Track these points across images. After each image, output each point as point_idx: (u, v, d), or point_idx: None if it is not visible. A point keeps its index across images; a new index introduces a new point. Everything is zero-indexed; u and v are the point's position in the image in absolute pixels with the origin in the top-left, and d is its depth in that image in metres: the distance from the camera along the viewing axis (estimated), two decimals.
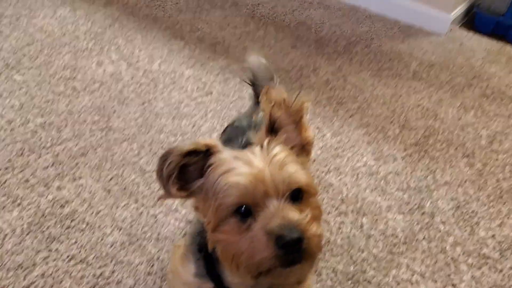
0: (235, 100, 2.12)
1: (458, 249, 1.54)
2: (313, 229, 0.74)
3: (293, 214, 0.73)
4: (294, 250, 0.71)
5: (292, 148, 0.82)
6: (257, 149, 0.79)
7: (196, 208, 0.84)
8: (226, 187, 0.74)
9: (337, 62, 2.51)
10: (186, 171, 0.80)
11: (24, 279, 1.35)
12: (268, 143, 0.79)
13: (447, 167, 1.88)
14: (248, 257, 0.73)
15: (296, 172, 0.77)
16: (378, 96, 2.27)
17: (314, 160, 1.84)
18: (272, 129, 0.82)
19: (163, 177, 0.78)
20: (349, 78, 2.38)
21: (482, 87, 2.43)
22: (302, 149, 0.85)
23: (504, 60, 2.73)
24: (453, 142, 2.01)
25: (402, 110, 2.19)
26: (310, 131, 0.85)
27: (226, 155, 0.78)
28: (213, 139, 0.82)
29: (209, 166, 0.78)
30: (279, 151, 0.78)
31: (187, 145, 0.79)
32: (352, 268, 1.45)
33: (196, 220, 0.98)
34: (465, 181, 1.81)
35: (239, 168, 0.75)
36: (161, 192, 0.82)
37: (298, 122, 0.84)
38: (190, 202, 0.86)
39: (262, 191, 0.73)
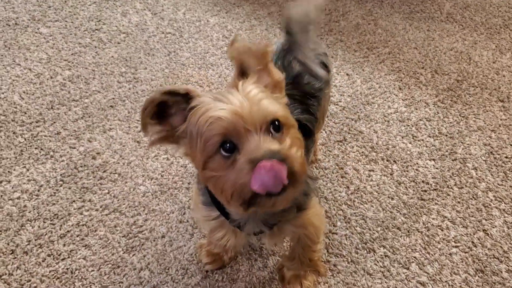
0: None
1: (490, 194, 1.52)
2: (293, 152, 0.78)
3: (274, 144, 0.77)
4: None
5: (265, 87, 0.87)
6: (233, 90, 0.83)
7: (186, 154, 0.88)
8: (209, 123, 0.78)
9: (368, 5, 2.41)
10: (169, 115, 0.86)
11: (60, 228, 1.40)
12: (242, 84, 0.84)
13: (480, 112, 1.82)
14: (234, 188, 0.77)
15: (271, 105, 0.82)
16: (409, 40, 2.19)
17: (344, 108, 1.81)
18: (243, 73, 0.88)
19: (146, 114, 0.83)
20: (379, 21, 2.30)
21: None
22: (275, 87, 0.89)
23: None
24: (487, 86, 1.94)
25: (435, 54, 2.11)
26: (277, 72, 0.90)
27: (205, 98, 0.82)
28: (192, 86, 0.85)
29: (190, 109, 0.83)
30: (253, 89, 0.83)
31: (168, 86, 0.82)
32: (381, 214, 1.45)
33: None
34: (499, 126, 1.76)
35: (219, 105, 0.79)
36: (149, 139, 0.87)
37: (265, 66, 0.88)
38: (180, 150, 0.89)
39: (243, 124, 0.77)
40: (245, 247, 1.35)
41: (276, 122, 0.81)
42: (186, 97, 0.84)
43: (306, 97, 1.14)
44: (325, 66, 1.25)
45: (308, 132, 1.09)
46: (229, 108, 0.78)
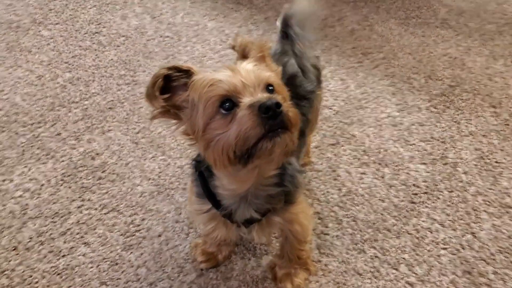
0: None
1: (480, 198, 1.56)
2: (288, 104, 0.86)
3: (270, 94, 0.85)
4: (275, 114, 0.80)
5: None
6: (231, 65, 0.91)
7: (186, 133, 0.94)
8: (209, 85, 0.85)
9: (363, 10, 2.46)
10: (172, 89, 0.91)
11: (61, 226, 1.44)
12: (241, 62, 0.92)
13: (472, 117, 1.86)
14: (237, 136, 0.81)
15: (267, 72, 0.90)
16: (404, 46, 2.23)
17: (337, 112, 1.85)
18: (243, 56, 0.96)
19: (154, 87, 0.88)
20: (375, 27, 2.34)
21: None
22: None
23: None
24: (480, 92, 1.98)
25: (429, 60, 2.15)
26: (274, 65, 0.99)
27: (205, 73, 0.90)
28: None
29: (192, 81, 0.89)
30: (249, 63, 0.91)
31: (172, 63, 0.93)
32: (372, 216, 1.49)
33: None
34: (490, 131, 1.80)
35: (219, 72, 0.87)
36: (153, 111, 0.92)
37: (263, 57, 0.97)
38: (181, 129, 0.95)
39: (241, 83, 0.84)
40: (239, 244, 1.39)
41: (270, 87, 0.88)
42: (187, 73, 0.90)
43: (298, 98, 1.17)
44: (317, 69, 1.30)
45: (299, 133, 1.13)
46: (228, 72, 0.86)
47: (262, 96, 0.83)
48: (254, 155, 0.84)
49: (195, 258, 1.36)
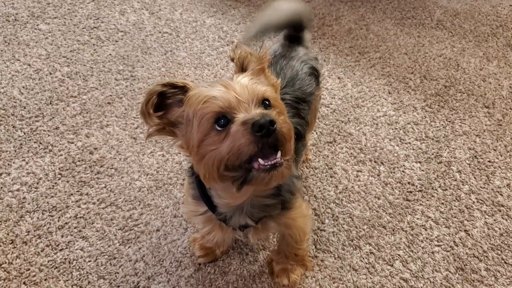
0: None
1: (473, 197, 1.59)
2: (282, 119, 0.85)
3: (264, 110, 0.84)
4: (268, 132, 0.79)
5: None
6: (227, 79, 0.90)
7: (181, 146, 0.94)
8: (204, 101, 0.85)
9: (360, 10, 2.47)
10: (167, 106, 0.91)
11: (59, 220, 1.45)
12: (237, 76, 0.91)
13: (466, 117, 1.89)
14: (229, 151, 0.81)
15: (261, 86, 0.89)
16: (400, 46, 2.25)
17: (334, 110, 1.87)
18: (242, 69, 0.96)
19: (147, 104, 0.88)
20: (371, 27, 2.36)
21: (507, 36, 2.38)
22: (272, 87, 0.96)
23: None
24: (474, 93, 2.01)
25: (424, 60, 2.18)
26: (273, 77, 0.99)
27: (200, 88, 0.89)
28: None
29: (187, 98, 0.89)
30: (244, 77, 0.90)
31: (167, 79, 0.93)
32: (368, 213, 1.51)
33: None
34: (484, 131, 1.83)
35: (215, 88, 0.87)
36: (148, 130, 0.92)
37: (263, 68, 0.97)
38: (176, 144, 0.95)
39: (235, 99, 0.84)
40: (237, 242, 1.40)
41: (267, 102, 0.88)
42: (183, 89, 0.90)
43: (297, 101, 1.19)
44: (315, 70, 1.31)
45: (298, 135, 1.13)
46: (222, 87, 0.86)
47: (256, 112, 0.83)
48: (250, 182, 0.84)
49: (193, 252, 1.38)
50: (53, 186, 1.53)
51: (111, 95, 1.83)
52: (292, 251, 1.28)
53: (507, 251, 1.43)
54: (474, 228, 1.49)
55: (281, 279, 1.32)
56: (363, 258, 1.40)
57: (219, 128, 0.84)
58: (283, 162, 0.83)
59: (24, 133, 1.67)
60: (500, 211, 1.55)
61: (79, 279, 1.31)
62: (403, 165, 1.67)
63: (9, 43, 2.03)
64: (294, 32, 1.34)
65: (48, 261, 1.35)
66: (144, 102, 0.88)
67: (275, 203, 1.04)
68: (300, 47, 1.33)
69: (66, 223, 1.44)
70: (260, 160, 0.81)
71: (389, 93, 1.98)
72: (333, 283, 1.33)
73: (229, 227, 1.09)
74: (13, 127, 1.69)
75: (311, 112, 1.30)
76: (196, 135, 0.86)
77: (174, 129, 0.92)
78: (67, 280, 1.31)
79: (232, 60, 0.98)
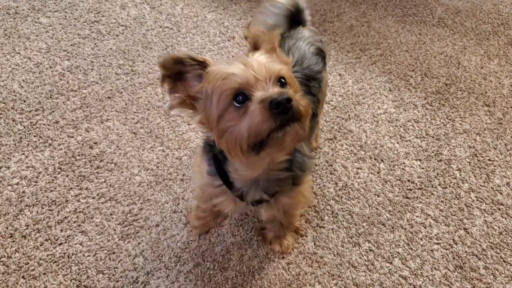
0: None
1: (472, 195, 1.59)
2: (299, 96, 0.89)
3: (280, 89, 0.88)
4: (286, 109, 0.83)
5: None
6: (244, 56, 0.94)
7: (202, 122, 0.97)
8: (223, 78, 0.88)
9: (362, 7, 2.47)
10: (186, 79, 0.95)
11: (58, 214, 1.45)
12: (253, 54, 0.95)
13: (466, 115, 1.89)
14: (249, 130, 0.85)
15: (277, 64, 0.92)
16: (401, 43, 2.25)
17: (335, 107, 1.86)
18: (255, 48, 0.98)
19: (166, 65, 0.92)
20: (373, 24, 2.35)
21: (509, 35, 2.38)
22: (285, 65, 0.98)
23: None
24: (475, 91, 2.01)
25: (425, 58, 2.17)
26: (285, 56, 1.01)
27: (219, 64, 0.92)
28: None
29: (206, 73, 0.92)
30: (261, 55, 0.94)
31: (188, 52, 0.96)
32: (367, 210, 1.51)
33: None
34: (484, 130, 1.83)
35: (233, 65, 0.90)
36: (170, 102, 0.97)
37: (274, 47, 0.99)
38: (196, 117, 0.98)
39: (253, 76, 0.87)
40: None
41: (283, 80, 0.91)
42: (202, 64, 0.93)
43: (307, 79, 1.23)
44: (321, 51, 1.35)
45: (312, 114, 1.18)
46: (240, 65, 0.89)
47: (274, 91, 0.86)
48: (267, 144, 0.87)
49: (188, 221, 1.43)
50: (52, 180, 1.53)
51: (111, 90, 1.83)
52: (288, 220, 1.33)
53: (506, 249, 1.44)
54: (474, 226, 1.49)
55: (274, 246, 1.38)
56: (362, 255, 1.40)
57: (237, 105, 0.87)
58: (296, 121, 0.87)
59: (24, 127, 1.67)
60: (499, 209, 1.55)
61: (78, 274, 1.31)
62: (403, 163, 1.67)
63: (9, 36, 2.02)
64: (295, 15, 1.37)
65: (47, 255, 1.35)
66: (161, 65, 0.92)
67: (287, 177, 1.08)
68: (305, 29, 1.37)
69: (65, 217, 1.44)
70: None
71: (390, 90, 1.97)
72: (332, 279, 1.33)
73: (242, 202, 1.13)
74: (13, 120, 1.68)
75: (320, 91, 1.34)
76: (215, 110, 0.90)
77: (194, 102, 0.96)
78: (66, 275, 1.31)
79: (246, 38, 1.03)
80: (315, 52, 1.31)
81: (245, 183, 1.07)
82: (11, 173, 1.53)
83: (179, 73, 0.95)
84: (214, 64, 0.93)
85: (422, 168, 1.66)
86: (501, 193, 1.60)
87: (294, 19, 1.37)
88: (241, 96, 0.87)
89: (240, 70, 0.88)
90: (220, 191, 1.14)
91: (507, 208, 1.55)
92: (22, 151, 1.60)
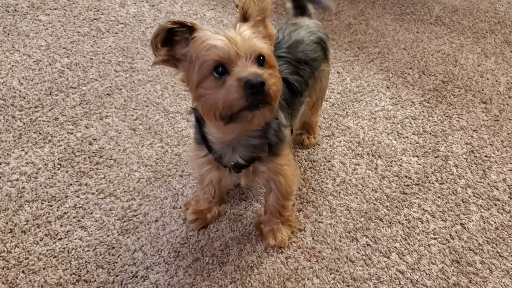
0: None
1: (469, 191, 1.60)
2: (273, 80, 0.95)
3: (258, 69, 0.94)
4: (259, 91, 0.90)
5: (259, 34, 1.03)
6: (230, 28, 0.99)
7: (182, 80, 1.04)
8: (206, 49, 0.93)
9: (360, 5, 2.48)
10: (174, 42, 1.00)
11: (58, 209, 1.45)
12: (240, 26, 0.99)
13: (463, 112, 1.90)
14: (223, 102, 0.92)
15: (259, 42, 0.98)
16: (399, 41, 2.26)
17: (333, 104, 1.88)
18: (244, 19, 1.03)
19: (156, 38, 0.96)
20: (371, 22, 2.37)
21: (505, 33, 2.39)
22: (267, 39, 1.05)
23: None
24: (471, 88, 2.02)
25: (423, 56, 2.18)
26: (272, 27, 1.08)
27: (206, 31, 0.97)
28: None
29: (193, 38, 0.97)
30: (247, 29, 0.98)
31: (177, 18, 1.03)
32: (365, 206, 1.53)
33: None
34: (481, 127, 1.84)
35: (217, 36, 0.94)
36: (154, 58, 1.01)
37: (264, 18, 1.05)
38: (178, 76, 1.04)
39: (235, 52, 0.93)
40: (228, 203, 1.42)
41: (261, 57, 0.96)
42: (191, 29, 0.98)
43: (299, 62, 1.29)
44: (323, 42, 1.40)
45: (295, 92, 1.27)
46: (224, 39, 0.93)
47: (251, 71, 0.92)
48: (236, 119, 0.95)
49: (185, 217, 1.44)
50: (52, 176, 1.54)
51: (110, 87, 1.84)
52: (277, 208, 1.36)
53: (502, 244, 1.45)
54: (470, 221, 1.51)
55: (268, 240, 1.40)
56: (360, 250, 1.41)
57: (216, 75, 0.93)
58: (266, 105, 0.94)
59: (24, 123, 1.67)
60: (496, 205, 1.56)
61: (78, 268, 1.32)
62: (401, 159, 1.68)
63: (9, 34, 2.03)
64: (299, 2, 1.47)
65: (47, 250, 1.35)
66: (154, 35, 0.96)
67: (262, 143, 1.14)
68: (310, 20, 1.44)
69: (65, 212, 1.45)
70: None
71: (388, 87, 1.99)
72: (330, 274, 1.34)
73: (226, 169, 1.20)
74: (13, 117, 1.69)
75: (317, 87, 1.43)
76: (196, 76, 0.96)
77: (178, 63, 1.02)
78: (66, 269, 1.32)
79: (237, 6, 1.05)
80: (315, 41, 1.36)
81: (221, 145, 1.14)
82: (11, 169, 1.54)
83: (167, 39, 0.99)
84: (201, 29, 0.97)
85: (419, 164, 1.67)
86: (497, 189, 1.61)
87: (299, 6, 1.46)
88: (221, 68, 0.93)
89: (223, 44, 0.92)
90: (206, 160, 1.21)
91: (503, 204, 1.56)
92: (21, 147, 1.60)
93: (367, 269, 1.37)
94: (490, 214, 1.53)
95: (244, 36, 0.96)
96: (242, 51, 0.93)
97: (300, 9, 1.48)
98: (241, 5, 1.03)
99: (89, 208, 1.46)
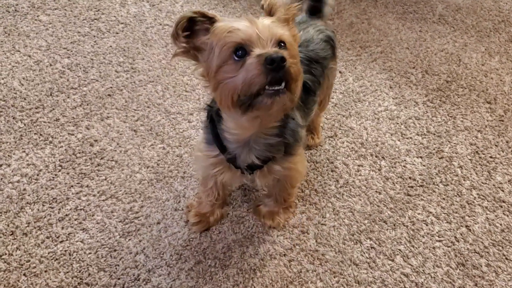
0: None
1: (474, 192, 1.58)
2: (293, 61, 0.94)
3: (278, 49, 0.92)
4: (279, 67, 0.88)
5: None
6: (253, 16, 0.99)
7: (202, 75, 1.03)
8: (228, 31, 0.94)
9: (362, 4, 2.46)
10: (194, 33, 1.00)
11: (59, 212, 1.44)
12: (264, 17, 1.00)
13: (468, 112, 1.89)
14: (243, 82, 0.91)
15: (281, 30, 0.98)
16: (402, 40, 2.24)
17: (335, 105, 1.86)
18: (270, 13, 1.03)
19: (178, 26, 0.97)
20: (373, 21, 2.35)
21: (509, 32, 2.37)
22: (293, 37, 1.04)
23: None
24: (476, 88, 2.01)
25: (426, 55, 2.17)
26: (296, 29, 1.07)
27: (227, 21, 0.98)
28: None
29: (213, 28, 0.97)
30: (270, 20, 0.99)
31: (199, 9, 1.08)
32: (369, 208, 1.51)
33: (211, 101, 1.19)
34: (485, 127, 1.82)
35: (239, 22, 0.95)
36: (176, 50, 1.02)
37: (288, 18, 1.04)
38: (198, 71, 1.04)
39: (256, 34, 0.92)
40: (231, 204, 1.40)
41: (282, 44, 0.95)
42: (211, 20, 0.98)
43: (310, 61, 1.28)
44: (331, 40, 1.39)
45: (308, 90, 1.25)
46: (247, 23, 0.94)
47: (271, 49, 0.91)
48: (254, 106, 0.93)
49: (187, 219, 1.43)
50: (53, 177, 1.53)
51: (111, 87, 1.83)
52: (284, 195, 1.39)
53: (508, 247, 1.43)
54: (475, 223, 1.49)
55: (267, 221, 1.43)
56: (364, 253, 1.40)
57: (236, 58, 0.92)
58: (286, 92, 0.92)
59: (24, 124, 1.66)
60: (501, 207, 1.54)
61: (79, 271, 1.31)
62: (404, 160, 1.67)
63: (9, 34, 2.02)
64: (315, 2, 1.43)
65: (48, 253, 1.34)
66: (176, 24, 0.97)
67: (278, 143, 1.13)
68: (319, 20, 1.43)
69: (66, 215, 1.43)
70: (266, 87, 0.90)
71: (391, 87, 1.97)
72: (334, 277, 1.33)
73: (238, 170, 1.19)
74: (13, 118, 1.68)
75: (325, 85, 1.40)
76: (216, 61, 0.95)
77: (198, 53, 1.01)
78: (67, 272, 1.30)
79: (262, 7, 1.06)
80: (324, 39, 1.36)
81: (237, 144, 1.12)
82: (12, 171, 1.53)
83: (188, 29, 0.99)
84: (222, 20, 0.98)
85: (424, 166, 1.66)
86: (502, 191, 1.59)
87: (316, 8, 1.43)
88: (241, 51, 0.92)
89: (245, 27, 0.93)
90: (217, 161, 1.20)
91: (509, 206, 1.55)
92: (22, 148, 1.59)
93: (371, 272, 1.35)
94: (496, 216, 1.52)
95: (267, 23, 0.96)
96: (264, 35, 0.93)
97: (317, 12, 1.44)
98: (266, 3, 1.04)
99: (90, 210, 1.45)
